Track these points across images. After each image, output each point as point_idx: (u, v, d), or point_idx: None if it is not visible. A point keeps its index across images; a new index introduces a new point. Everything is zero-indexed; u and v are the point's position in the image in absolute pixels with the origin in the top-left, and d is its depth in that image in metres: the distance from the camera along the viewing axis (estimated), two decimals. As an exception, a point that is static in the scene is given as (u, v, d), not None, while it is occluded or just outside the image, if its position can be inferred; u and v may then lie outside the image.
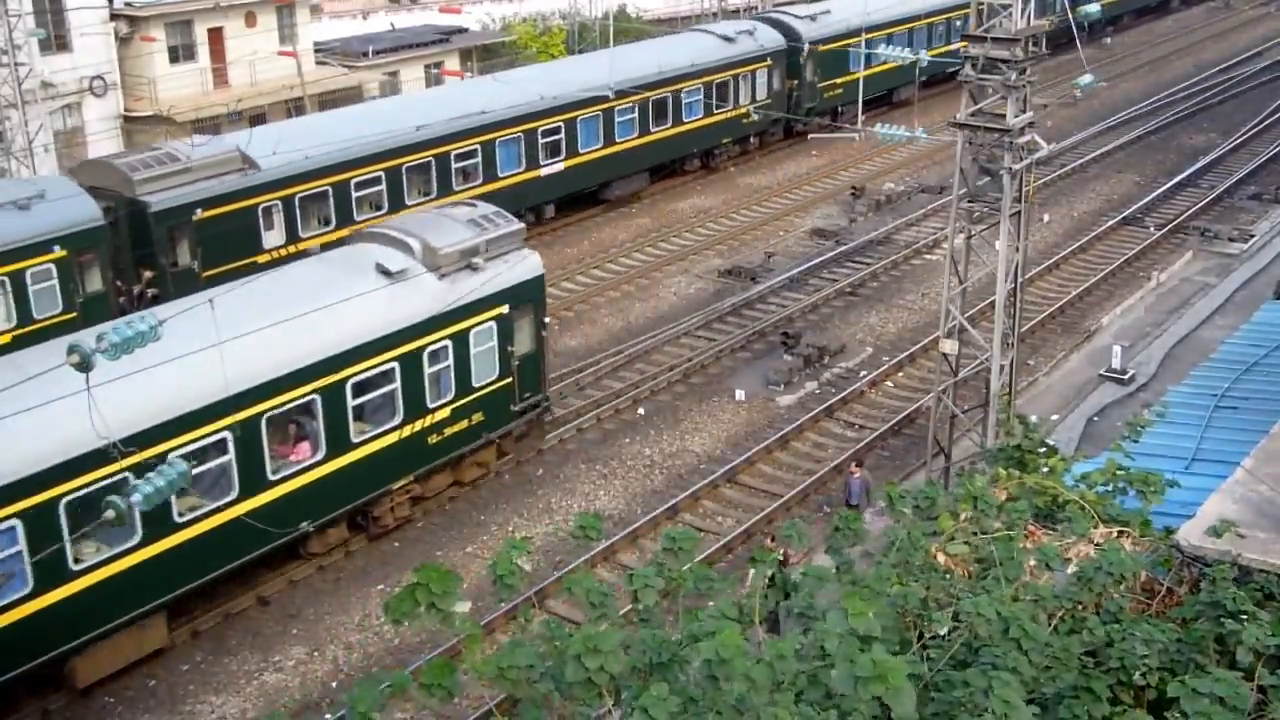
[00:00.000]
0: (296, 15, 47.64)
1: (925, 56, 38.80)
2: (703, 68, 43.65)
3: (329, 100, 45.80)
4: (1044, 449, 11.29)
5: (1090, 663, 7.26)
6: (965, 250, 23.63)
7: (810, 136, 49.41)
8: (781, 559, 18.70)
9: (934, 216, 40.97)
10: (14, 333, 26.01)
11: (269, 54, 45.91)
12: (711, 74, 44.02)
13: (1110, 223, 40.29)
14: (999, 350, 23.10)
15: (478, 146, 36.20)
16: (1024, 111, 21.89)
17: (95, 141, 41.78)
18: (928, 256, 38.22)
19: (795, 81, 47.81)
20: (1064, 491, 10.09)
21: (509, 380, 24.91)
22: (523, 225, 25.69)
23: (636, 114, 41.22)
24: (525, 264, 24.96)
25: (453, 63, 52.30)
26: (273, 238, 31.47)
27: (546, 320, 25.62)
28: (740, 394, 29.45)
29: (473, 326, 23.83)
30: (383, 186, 33.78)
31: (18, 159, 37.63)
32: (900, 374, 30.69)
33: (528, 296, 24.89)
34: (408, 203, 34.06)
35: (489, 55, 54.89)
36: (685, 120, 43.36)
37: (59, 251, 26.82)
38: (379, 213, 33.19)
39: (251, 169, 30.80)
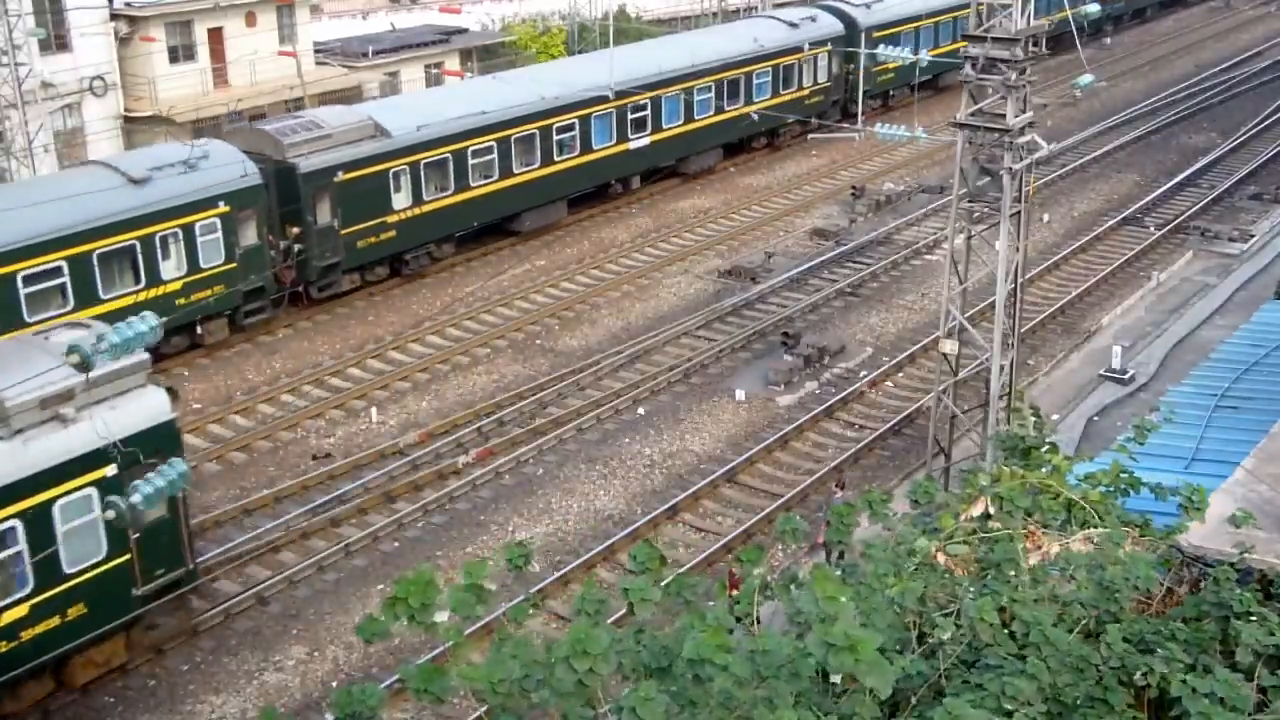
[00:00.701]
0: (296, 15, 47.62)
1: (926, 56, 39.27)
2: (770, 51, 46.64)
3: (329, 100, 45.78)
4: (1048, 447, 11.27)
5: (1109, 670, 7.23)
6: (965, 250, 23.64)
7: (810, 137, 49.43)
8: (730, 582, 18.61)
9: (934, 216, 40.97)
10: (184, 279, 29.68)
11: (269, 54, 45.90)
12: (778, 57, 46.98)
13: (1110, 223, 40.29)
14: (999, 350, 23.10)
15: (575, 121, 39.26)
16: (1024, 111, 21.90)
17: (95, 142, 41.77)
18: (928, 256, 38.22)
19: (851, 66, 50.27)
20: (1067, 491, 10.07)
21: (125, 558, 19.18)
22: (147, 356, 19.34)
23: (713, 94, 44.22)
24: (146, 406, 19.09)
25: (453, 63, 52.28)
26: (401, 200, 34.59)
27: (184, 470, 16.78)
28: (740, 394, 29.44)
29: (58, 497, 18.02)
30: (494, 156, 36.91)
31: (18, 159, 37.61)
32: (900, 374, 30.69)
33: (151, 449, 18.51)
34: (515, 171, 37.65)
35: (489, 55, 54.88)
36: (755, 100, 46.09)
37: (223, 207, 30.12)
38: (488, 180, 36.89)
39: (384, 136, 34.04)
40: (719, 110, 44.59)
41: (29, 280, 26.66)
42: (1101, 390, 27.74)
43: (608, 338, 32.66)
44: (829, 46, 49.34)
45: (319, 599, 22.20)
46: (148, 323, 14.15)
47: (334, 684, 20.19)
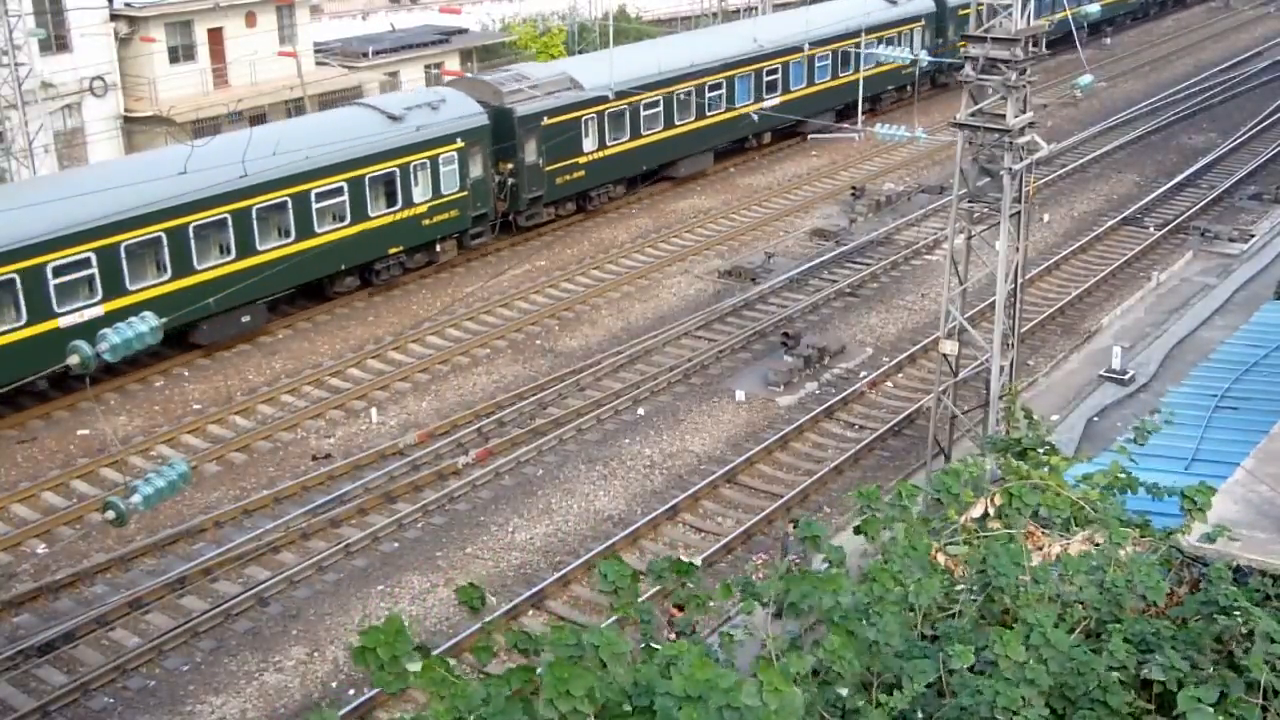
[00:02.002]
0: (296, 15, 47.63)
1: (926, 57, 39.60)
2: (876, 24, 51.24)
3: (329, 101, 45.80)
4: (1045, 447, 11.26)
5: (1110, 672, 7.22)
6: (965, 250, 23.64)
7: (810, 137, 49.46)
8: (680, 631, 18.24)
9: (934, 217, 40.98)
10: (428, 204, 34.93)
11: (269, 54, 45.90)
12: (883, 29, 51.72)
13: (1110, 223, 40.29)
14: (999, 351, 23.10)
15: (723, 80, 44.43)
16: (1024, 112, 21.90)
17: (95, 142, 41.78)
18: (928, 257, 38.22)
19: (940, 40, 54.99)
20: (1066, 491, 10.07)
21: None
22: None
23: (830, 61, 49.42)
24: None
25: (453, 63, 52.29)
26: (589, 144, 39.87)
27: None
28: (740, 394, 29.44)
29: None
30: (660, 109, 42.17)
31: (18, 159, 37.62)
32: (900, 374, 30.69)
33: None
34: (676, 122, 42.82)
35: (489, 55, 54.91)
36: (861, 69, 50.28)
37: (459, 143, 35.39)
38: (657, 128, 42.04)
39: (577, 88, 39.35)
40: (834, 76, 49.64)
41: (319, 198, 32.20)
42: (1101, 391, 27.72)
43: (608, 338, 32.67)
44: (922, 22, 54.20)
45: (319, 599, 22.20)
46: (148, 323, 14.13)
47: (334, 684, 20.19)
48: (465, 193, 35.78)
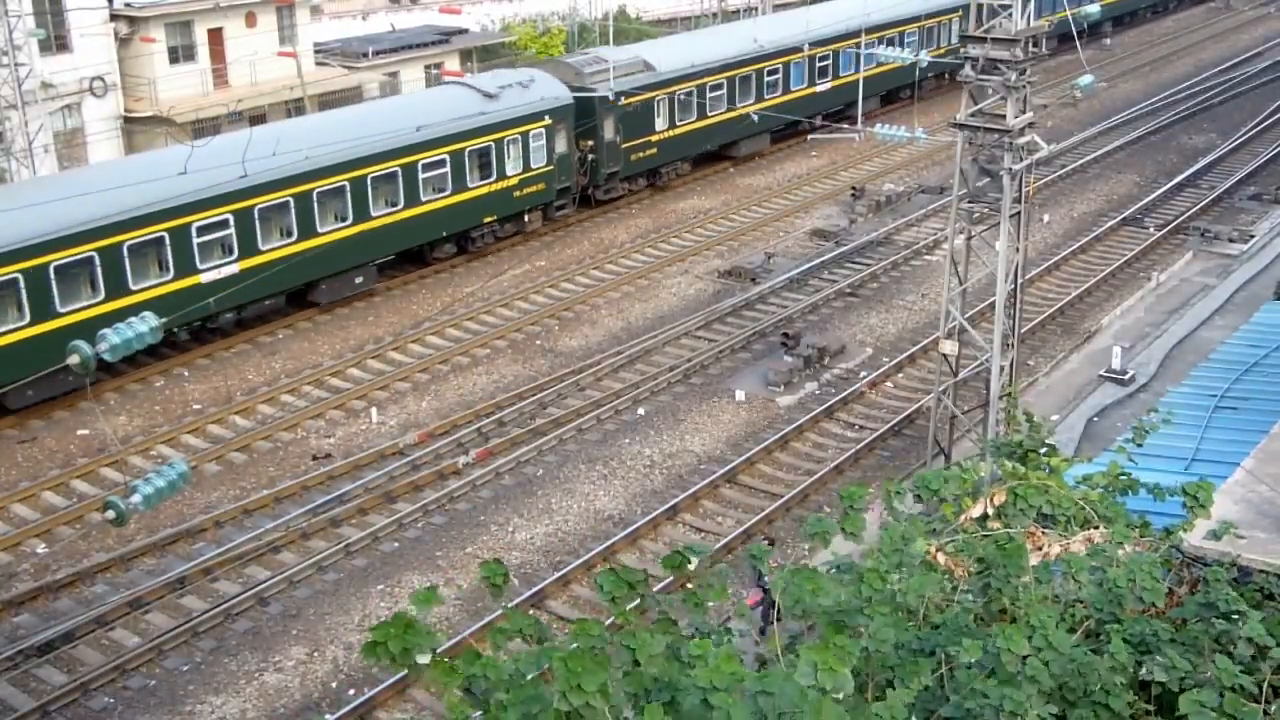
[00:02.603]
0: (296, 16, 47.61)
1: (925, 57, 39.65)
2: (935, 10, 54.29)
3: (329, 101, 45.80)
4: (1045, 448, 11.26)
5: (1111, 674, 7.22)
6: (965, 251, 23.65)
7: (810, 137, 49.44)
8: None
9: (934, 217, 40.98)
10: (519, 177, 37.42)
11: (269, 54, 45.88)
12: (944, 16, 54.76)
13: (1110, 223, 40.29)
14: (999, 351, 23.11)
15: (780, 65, 46.99)
16: (1024, 112, 21.90)
17: (95, 142, 41.77)
18: (928, 257, 38.22)
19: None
20: (1066, 491, 10.07)
21: None
22: None
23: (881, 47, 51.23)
24: None
25: (453, 63, 52.27)
26: (660, 123, 42.39)
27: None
28: (740, 394, 29.44)
29: None
30: (724, 91, 44.52)
31: (17, 159, 37.61)
32: (900, 374, 30.69)
33: None
34: (736, 104, 45.15)
35: (489, 56, 54.90)
36: (918, 54, 52.00)
37: (547, 120, 37.95)
38: (721, 110, 44.60)
39: (650, 71, 41.81)
40: (880, 63, 50.35)
41: (426, 168, 34.53)
42: (1101, 391, 27.73)
43: (608, 338, 32.67)
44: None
45: (319, 599, 22.20)
46: (148, 323, 14.12)
47: (334, 684, 20.19)
48: (551, 167, 38.49)
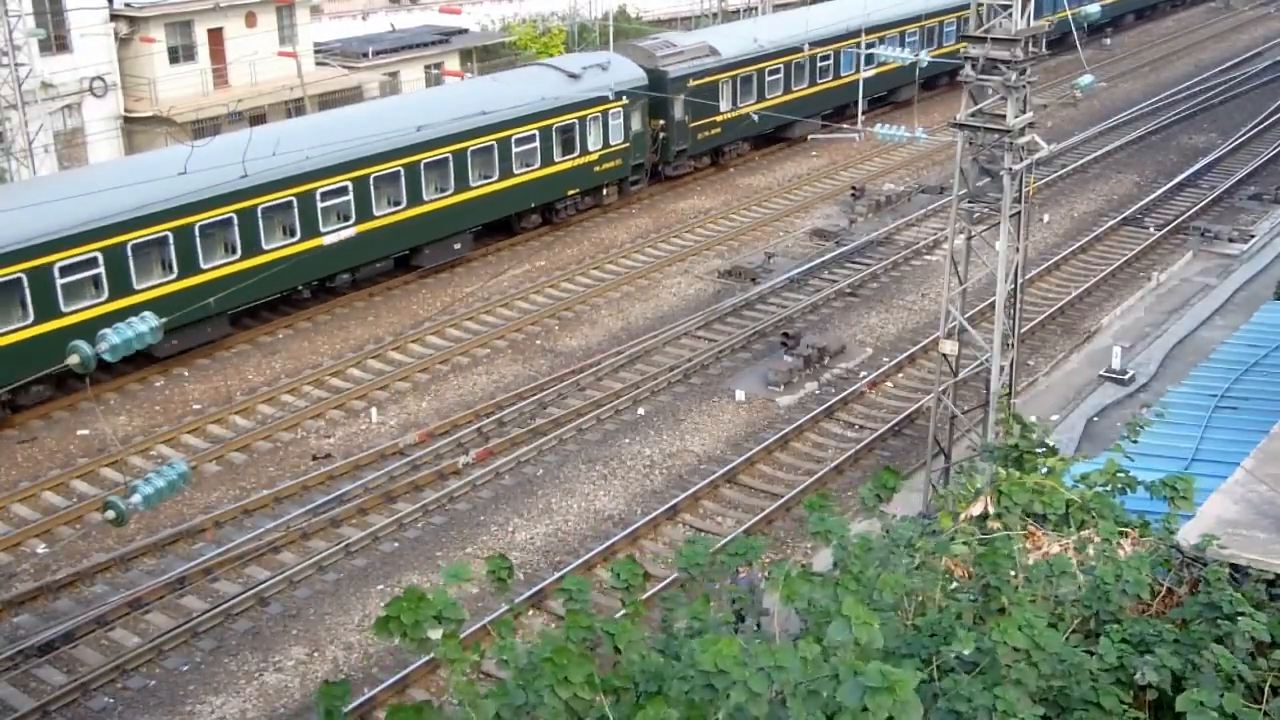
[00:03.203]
0: (296, 16, 47.62)
1: (925, 57, 39.65)
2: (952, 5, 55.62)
3: (329, 101, 45.80)
4: (1043, 449, 11.26)
5: (1102, 673, 7.21)
6: (965, 251, 23.64)
7: (810, 137, 49.45)
8: None
9: (934, 217, 40.97)
10: (599, 153, 40.14)
11: (269, 54, 45.90)
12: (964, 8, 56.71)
13: (1110, 223, 40.28)
14: (999, 351, 23.10)
15: (831, 52, 49.54)
16: (1024, 112, 21.90)
17: (95, 142, 41.78)
18: (928, 257, 38.22)
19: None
20: (1064, 492, 10.07)
21: None
22: None
23: (918, 37, 53.73)
24: None
25: (453, 63, 52.28)
26: (724, 104, 44.81)
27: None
28: (740, 394, 29.44)
29: None
30: (781, 75, 47.43)
31: (18, 159, 37.62)
32: (900, 374, 30.69)
33: None
34: (793, 88, 48.00)
35: (489, 56, 54.90)
36: (944, 44, 54.29)
37: (624, 100, 40.33)
38: (778, 93, 47.32)
39: (715, 55, 44.28)
40: (938, 46, 53.16)
41: (518, 143, 37.21)
42: (1101, 391, 27.74)
43: (608, 338, 32.67)
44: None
45: (319, 599, 22.20)
46: (148, 323, 14.09)
47: (334, 684, 20.18)
48: (627, 144, 41.11)
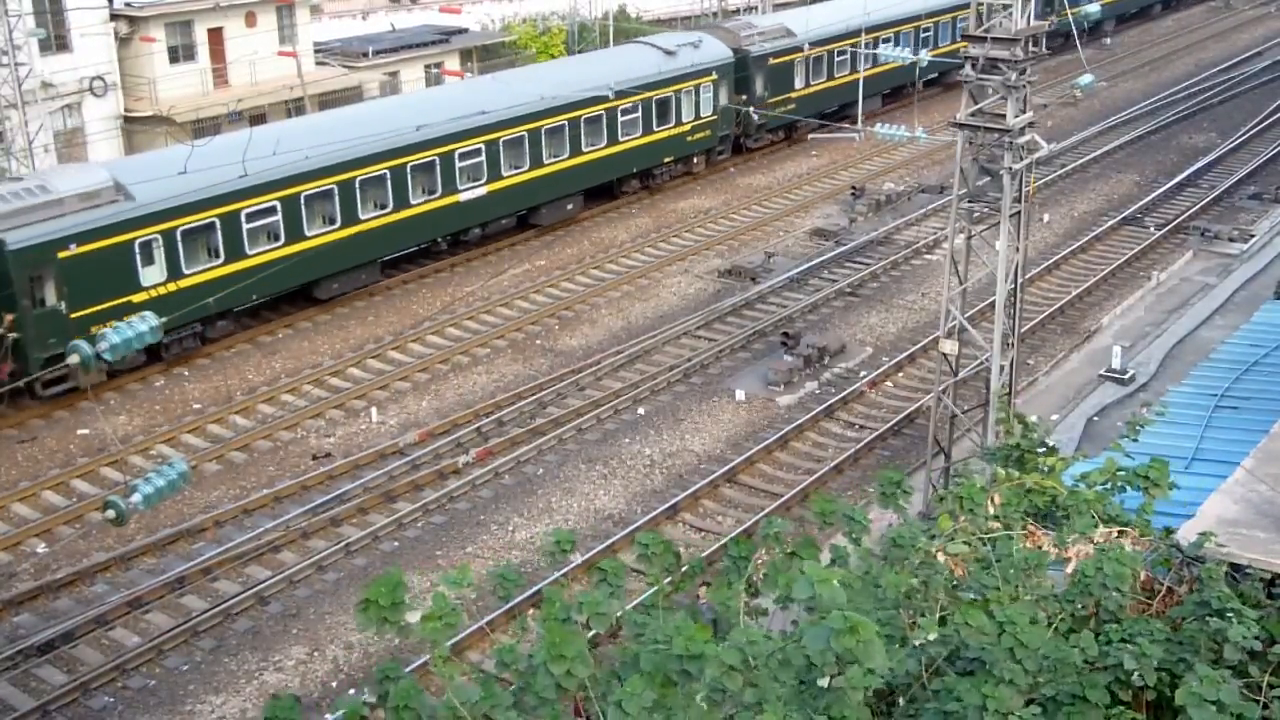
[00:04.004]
0: (296, 15, 47.60)
1: (925, 56, 39.93)
2: None
3: (329, 101, 45.78)
4: (1043, 449, 11.27)
5: (1088, 668, 7.23)
6: (965, 250, 23.63)
7: (810, 137, 49.47)
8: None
9: (934, 216, 40.97)
10: (692, 124, 43.82)
11: (269, 54, 45.87)
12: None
13: (1110, 223, 40.27)
14: (999, 350, 23.10)
15: (891, 36, 52.48)
16: (1024, 111, 21.89)
17: (95, 142, 41.77)
18: (928, 256, 38.22)
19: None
20: (1063, 491, 10.08)
21: None
22: None
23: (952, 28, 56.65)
24: None
25: (453, 63, 52.27)
26: (799, 83, 48.58)
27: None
28: (740, 394, 29.44)
29: None
30: (847, 57, 50.72)
31: (18, 159, 37.62)
32: (900, 374, 30.69)
33: None
34: (857, 69, 50.68)
35: (489, 55, 54.88)
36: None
37: (714, 75, 44.12)
38: (845, 72, 50.21)
39: (790, 36, 47.94)
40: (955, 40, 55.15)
41: (623, 113, 41.07)
42: (1101, 390, 27.74)
43: (608, 338, 32.67)
44: None
45: (319, 599, 22.20)
46: (148, 323, 14.11)
47: (334, 684, 20.19)
48: (715, 116, 44.56)
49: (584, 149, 39.80)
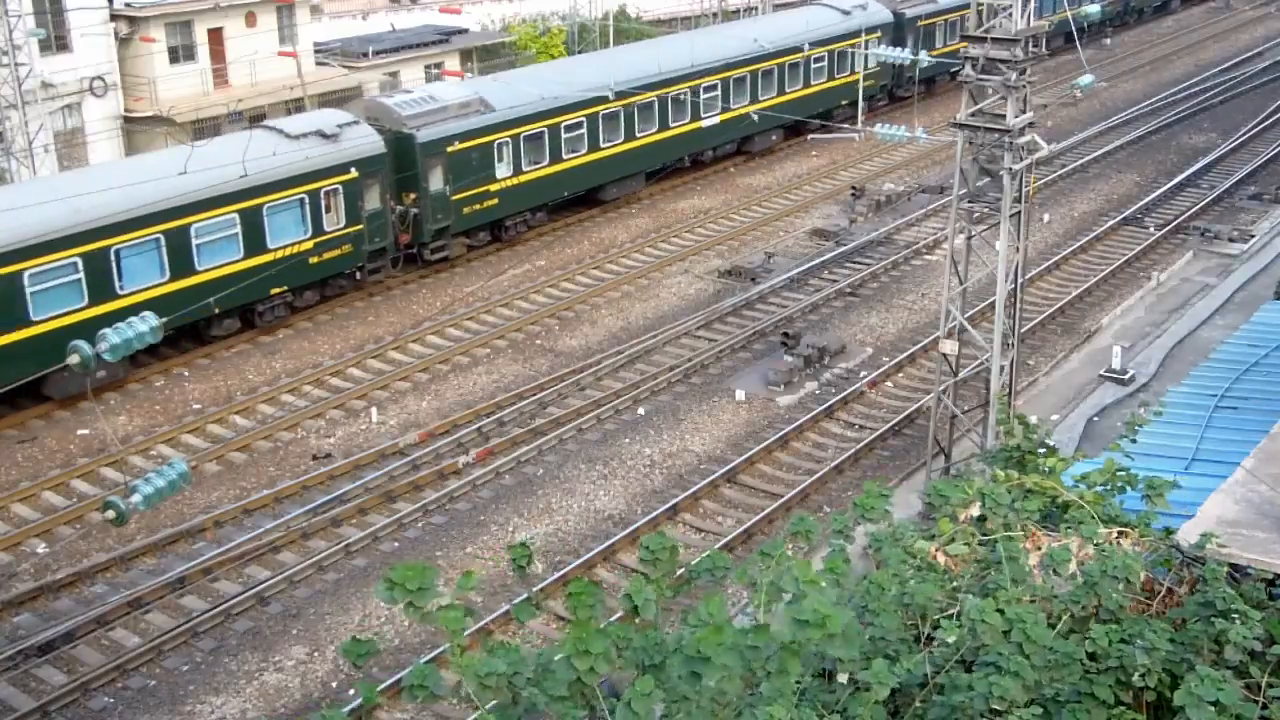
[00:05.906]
0: (296, 15, 47.60)
1: (926, 57, 39.77)
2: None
3: (329, 101, 45.77)
4: (1044, 449, 11.27)
5: (1093, 667, 7.25)
6: (965, 250, 23.65)
7: (810, 137, 49.44)
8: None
9: (934, 216, 40.97)
10: (860, 75, 49.59)
11: (269, 54, 45.88)
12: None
13: (1110, 223, 40.28)
14: (999, 350, 23.11)
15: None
16: (1024, 112, 21.90)
17: (95, 142, 41.77)
18: (928, 257, 38.22)
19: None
20: (1063, 492, 10.08)
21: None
22: None
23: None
24: None
25: (453, 63, 52.26)
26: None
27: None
28: (740, 394, 29.45)
29: None
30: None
31: (17, 159, 37.62)
32: (900, 374, 30.69)
33: None
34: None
35: (489, 55, 54.87)
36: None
37: (878, 33, 49.99)
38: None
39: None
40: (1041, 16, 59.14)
41: (814, 61, 47.38)
42: (1101, 390, 27.74)
43: (608, 338, 32.67)
44: None
45: (319, 599, 22.21)
46: (148, 323, 14.10)
47: (334, 684, 20.19)
48: (879, 68, 49.76)
49: (786, 90, 46.95)
